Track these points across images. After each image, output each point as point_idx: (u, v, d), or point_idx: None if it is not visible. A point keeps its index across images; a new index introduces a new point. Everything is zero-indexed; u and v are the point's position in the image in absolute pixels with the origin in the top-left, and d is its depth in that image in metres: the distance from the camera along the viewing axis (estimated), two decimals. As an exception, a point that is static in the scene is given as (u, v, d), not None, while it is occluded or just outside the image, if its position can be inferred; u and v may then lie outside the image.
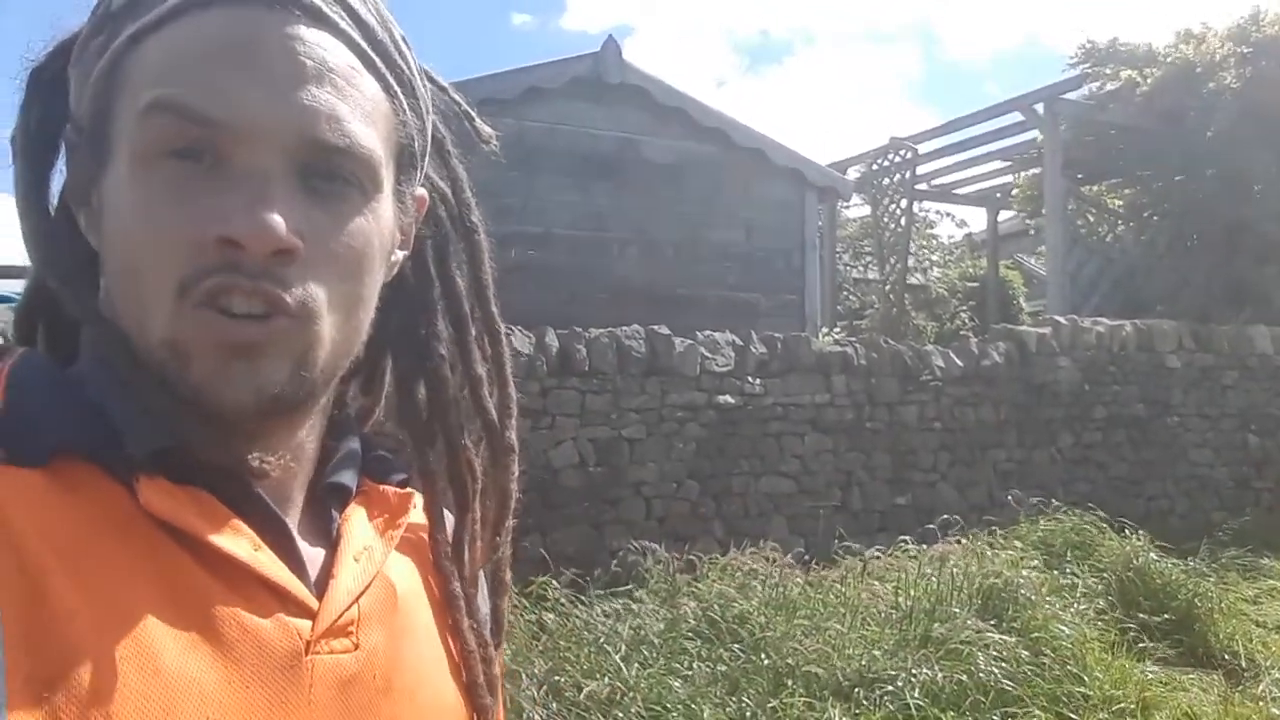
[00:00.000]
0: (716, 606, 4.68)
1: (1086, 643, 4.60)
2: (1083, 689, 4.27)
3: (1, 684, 0.46)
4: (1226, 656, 5.12)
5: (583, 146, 8.72)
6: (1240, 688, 4.78)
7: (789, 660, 4.22)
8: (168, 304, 0.56)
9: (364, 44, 0.62)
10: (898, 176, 11.72)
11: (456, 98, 0.75)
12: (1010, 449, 7.56)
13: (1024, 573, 5.08)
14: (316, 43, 0.59)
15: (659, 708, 3.89)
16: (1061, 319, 8.29)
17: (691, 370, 6.46)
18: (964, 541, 5.71)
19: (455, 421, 0.75)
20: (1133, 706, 4.26)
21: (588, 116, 8.83)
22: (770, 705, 3.91)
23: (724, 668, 4.21)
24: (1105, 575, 5.46)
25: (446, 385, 0.75)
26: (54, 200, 0.66)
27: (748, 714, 3.88)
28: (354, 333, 0.63)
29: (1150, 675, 4.65)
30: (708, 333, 6.71)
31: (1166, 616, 5.14)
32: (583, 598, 4.86)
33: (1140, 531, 5.94)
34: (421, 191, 0.72)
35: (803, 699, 3.98)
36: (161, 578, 0.54)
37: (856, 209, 15.64)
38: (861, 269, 15.67)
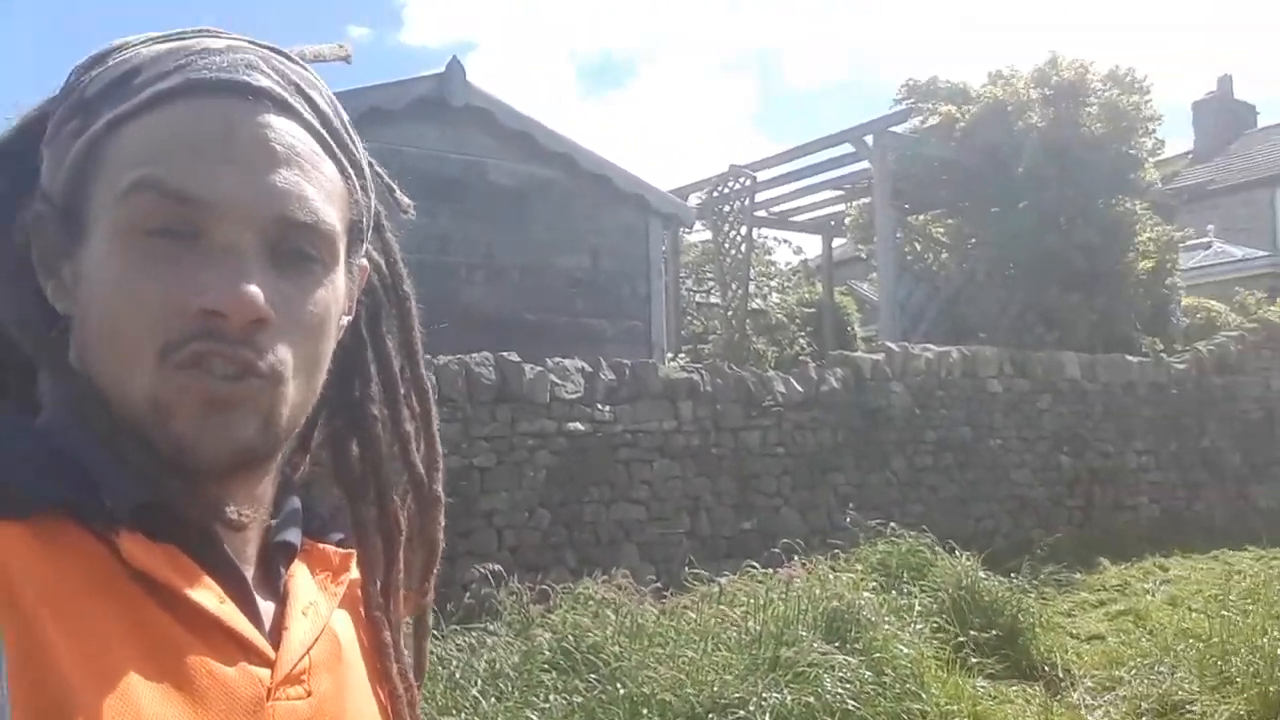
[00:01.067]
0: (571, 637, 4.70)
1: (924, 661, 4.83)
2: (921, 706, 4.48)
3: None
4: (1046, 668, 5.47)
5: (427, 169, 8.61)
6: (1058, 697, 5.12)
7: (644, 689, 4.27)
8: (150, 365, 0.60)
9: (323, 131, 0.68)
10: (738, 203, 12.03)
11: (380, 171, 0.80)
12: (848, 472, 7.86)
13: (864, 594, 5.29)
14: (285, 130, 0.65)
15: (517, 743, 3.88)
16: (894, 345, 8.70)
17: (542, 398, 6.48)
18: (808, 565, 5.90)
19: (386, 477, 0.79)
20: (966, 721, 4.50)
21: (431, 139, 8.74)
22: (627, 735, 3.95)
23: (580, 699, 4.23)
24: (939, 594, 5.74)
25: (378, 443, 0.79)
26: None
27: (606, 745, 3.91)
28: (312, 393, 0.68)
29: (981, 689, 4.92)
30: (557, 360, 6.74)
31: (995, 632, 5.45)
32: (436, 632, 4.80)
33: (969, 551, 6.28)
34: (364, 262, 0.76)
35: (659, 727, 4.03)
36: (139, 628, 0.58)
37: (698, 234, 15.98)
38: (704, 294, 15.98)
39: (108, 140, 0.63)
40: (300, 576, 0.71)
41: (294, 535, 0.73)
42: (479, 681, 4.32)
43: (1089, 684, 5.32)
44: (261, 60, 0.66)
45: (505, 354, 6.49)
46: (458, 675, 4.36)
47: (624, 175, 9.71)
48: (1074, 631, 6.25)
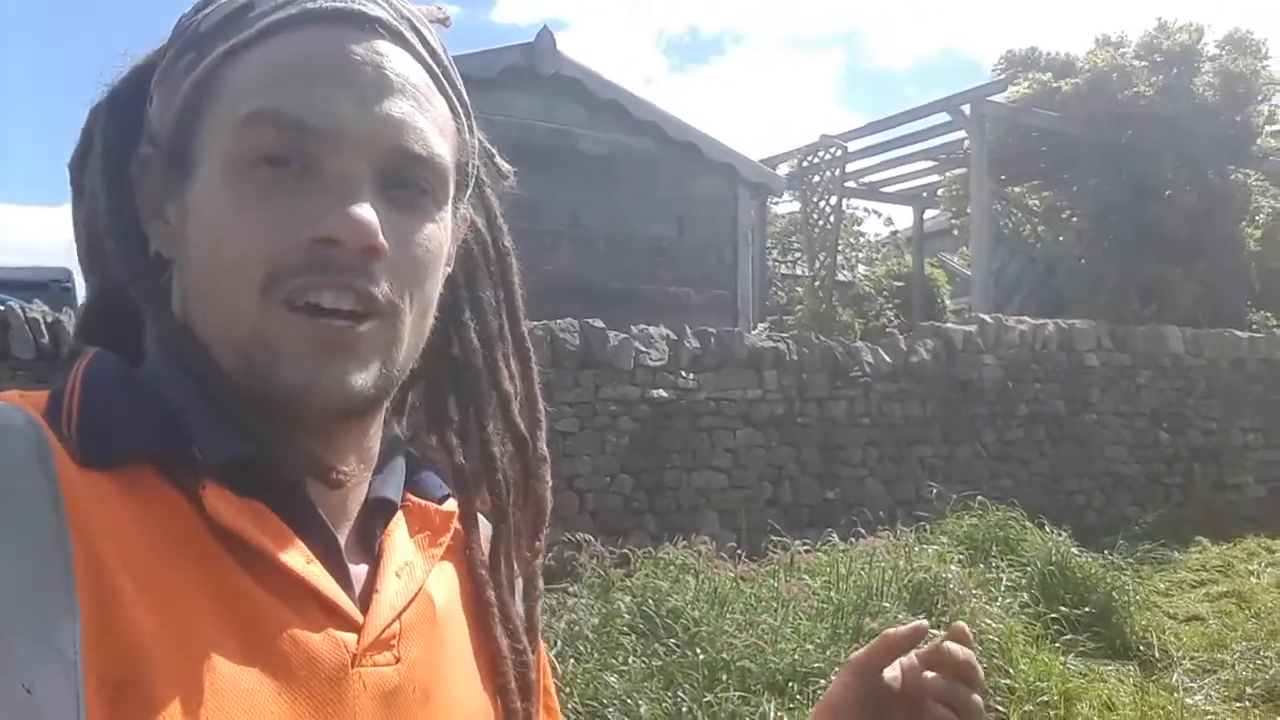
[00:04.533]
0: (651, 600, 4.69)
1: (1012, 636, 4.71)
2: (1009, 681, 4.37)
3: (80, 685, 0.49)
4: (1141, 648, 5.28)
5: (515, 137, 8.64)
6: (1154, 678, 4.95)
7: (723, 654, 4.25)
8: (252, 301, 0.59)
9: (435, 66, 0.67)
10: (828, 174, 11.83)
11: (480, 136, 0.77)
12: (936, 444, 7.71)
13: (951, 567, 5.17)
14: (399, 60, 0.64)
15: (595, 703, 3.90)
16: (987, 317, 8.47)
17: (625, 364, 6.47)
18: (892, 536, 5.80)
19: (488, 435, 0.76)
20: (1056, 698, 4.37)
21: (521, 107, 8.77)
22: (705, 699, 3.93)
23: (659, 662, 4.22)
24: (1028, 569, 5.59)
25: (480, 399, 0.77)
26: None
27: (683, 708, 3.90)
28: (422, 335, 0.66)
29: (1071, 667, 4.78)
30: (642, 327, 6.72)
31: (1086, 609, 5.28)
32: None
33: (1061, 526, 6.10)
34: (467, 211, 0.74)
35: (737, 693, 4.01)
36: (220, 588, 0.56)
37: (785, 205, 15.79)
38: (789, 265, 15.80)
39: (222, 71, 0.62)
40: (397, 536, 0.68)
41: (393, 492, 0.70)
42: (559, 643, 4.33)
43: (1188, 666, 5.13)
44: None
45: (590, 320, 6.49)
46: (537, 635, 4.38)
47: (712, 144, 9.63)
48: (1171, 611, 6.03)
